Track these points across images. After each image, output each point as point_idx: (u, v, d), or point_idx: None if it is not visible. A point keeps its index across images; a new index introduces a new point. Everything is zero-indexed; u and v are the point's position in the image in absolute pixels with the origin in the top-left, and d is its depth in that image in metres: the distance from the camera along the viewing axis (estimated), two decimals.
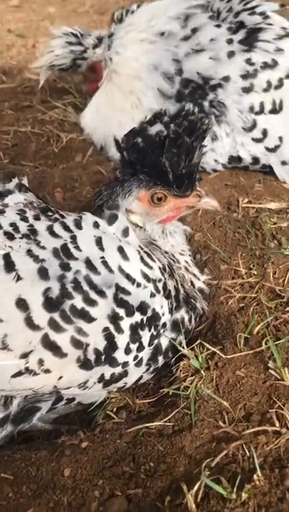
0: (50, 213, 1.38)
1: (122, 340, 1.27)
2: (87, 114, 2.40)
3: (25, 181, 1.47)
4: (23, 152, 2.43)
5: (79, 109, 2.71)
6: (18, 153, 2.43)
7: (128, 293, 1.29)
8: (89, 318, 1.21)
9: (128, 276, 1.30)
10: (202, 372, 1.34)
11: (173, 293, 1.43)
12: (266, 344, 1.37)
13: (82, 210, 1.92)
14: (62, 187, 2.10)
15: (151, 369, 1.43)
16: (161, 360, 1.44)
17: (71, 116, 2.68)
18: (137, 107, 2.19)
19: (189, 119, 1.34)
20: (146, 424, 1.30)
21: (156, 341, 1.39)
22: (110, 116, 2.26)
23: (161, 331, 1.40)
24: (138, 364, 1.36)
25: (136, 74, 2.14)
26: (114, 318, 1.25)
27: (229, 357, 1.35)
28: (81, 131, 2.58)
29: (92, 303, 1.22)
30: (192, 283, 1.61)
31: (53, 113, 2.72)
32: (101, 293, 1.24)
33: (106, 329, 1.24)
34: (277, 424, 1.19)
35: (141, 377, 1.43)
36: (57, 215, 1.38)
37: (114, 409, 1.41)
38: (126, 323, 1.27)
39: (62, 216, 1.38)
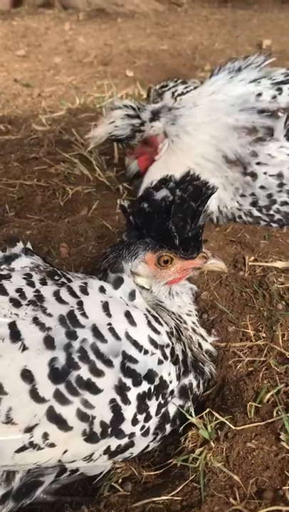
0: (56, 277, 1.36)
1: (129, 411, 1.23)
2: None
3: (28, 245, 1.46)
4: (29, 205, 2.45)
5: (84, 162, 2.75)
6: (24, 206, 2.45)
7: (135, 361, 1.26)
8: (95, 390, 1.18)
9: (135, 343, 1.27)
10: (211, 443, 1.29)
11: (181, 357, 1.40)
12: (278, 414, 1.33)
13: (88, 266, 1.92)
14: (68, 242, 2.10)
15: (158, 437, 1.38)
16: (168, 428, 1.39)
17: (77, 169, 2.72)
18: None
19: (194, 184, 1.36)
20: (154, 499, 1.25)
21: (163, 409, 1.35)
22: None
23: (169, 398, 1.36)
24: (145, 434, 1.32)
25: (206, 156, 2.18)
26: (121, 389, 1.21)
27: (239, 428, 1.31)
28: (86, 184, 2.61)
29: (98, 373, 1.19)
30: (200, 345, 1.58)
31: (59, 166, 2.76)
32: (108, 362, 1.21)
33: (113, 401, 1.20)
34: None
35: (147, 446, 1.38)
36: (64, 279, 1.36)
37: (120, 481, 1.35)
38: (133, 394, 1.24)
39: (69, 280, 1.37)
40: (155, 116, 2.21)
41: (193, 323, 1.60)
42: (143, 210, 1.37)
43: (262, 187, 2.10)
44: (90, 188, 2.58)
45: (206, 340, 1.60)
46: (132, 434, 1.28)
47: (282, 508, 1.14)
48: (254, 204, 2.13)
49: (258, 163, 2.09)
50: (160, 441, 1.41)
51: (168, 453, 1.43)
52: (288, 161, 2.07)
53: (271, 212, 2.14)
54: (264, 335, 1.60)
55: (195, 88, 2.71)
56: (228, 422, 1.32)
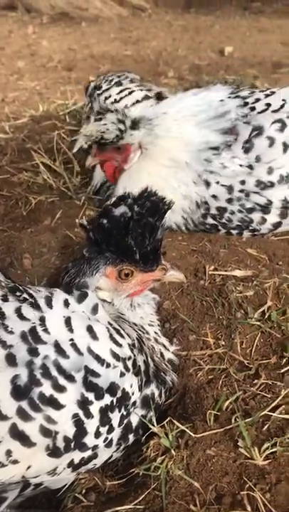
0: (18, 293, 1.37)
1: (91, 425, 1.26)
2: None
3: None
4: None
5: (48, 171, 2.76)
6: None
7: (98, 375, 1.28)
8: (58, 406, 1.20)
9: (97, 357, 1.30)
10: (172, 451, 1.33)
11: (143, 368, 1.44)
12: (236, 421, 1.38)
13: (51, 277, 1.94)
14: (31, 252, 2.10)
15: (122, 447, 1.41)
16: (131, 438, 1.42)
17: (40, 178, 2.72)
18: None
19: (151, 199, 1.40)
20: (117, 508, 1.28)
21: (126, 420, 1.38)
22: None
23: (131, 409, 1.39)
24: (108, 445, 1.35)
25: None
26: (84, 404, 1.24)
27: (199, 436, 1.35)
28: (50, 193, 2.62)
29: (60, 389, 1.21)
30: (162, 354, 1.62)
31: (22, 175, 2.76)
32: (70, 377, 1.23)
33: (75, 415, 1.22)
34: (249, 508, 1.19)
35: (111, 457, 1.41)
36: (25, 295, 1.38)
37: (83, 491, 1.38)
38: (96, 408, 1.26)
39: (31, 295, 1.38)
40: (135, 125, 2.25)
41: (156, 333, 1.64)
42: (102, 226, 1.40)
43: (214, 196, 2.16)
44: (53, 197, 2.59)
45: (168, 350, 1.64)
46: (95, 447, 1.30)
47: None
48: (207, 212, 2.20)
49: (211, 172, 2.15)
50: (123, 450, 1.44)
51: (131, 462, 1.45)
52: (240, 172, 2.13)
53: (224, 220, 2.20)
54: (223, 343, 1.65)
55: (130, 93, 2.69)
56: (188, 430, 1.36)
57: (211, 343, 1.65)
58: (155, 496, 1.28)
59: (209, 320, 1.73)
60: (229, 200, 2.15)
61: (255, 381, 1.52)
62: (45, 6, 8.37)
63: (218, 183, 2.14)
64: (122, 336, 1.41)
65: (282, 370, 1.54)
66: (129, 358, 1.38)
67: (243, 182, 2.13)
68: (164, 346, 1.64)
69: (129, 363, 1.38)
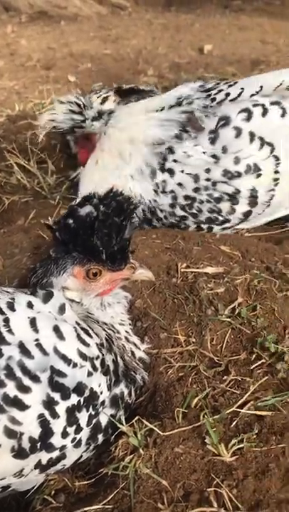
0: None
1: (58, 425, 1.25)
2: (84, 183, 2.43)
3: None
4: None
5: (23, 171, 2.74)
6: None
7: (64, 375, 1.28)
8: (22, 406, 1.19)
9: (64, 357, 1.29)
10: (140, 450, 1.33)
11: (112, 368, 1.44)
12: (204, 418, 1.38)
13: (23, 278, 1.92)
14: (2, 253, 2.08)
15: (91, 447, 1.41)
16: (101, 437, 1.42)
17: (14, 178, 2.70)
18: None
19: (117, 199, 1.40)
20: (85, 508, 1.27)
21: (95, 420, 1.38)
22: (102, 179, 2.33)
23: (100, 409, 1.39)
24: (77, 445, 1.34)
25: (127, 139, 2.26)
26: (50, 404, 1.23)
27: (167, 434, 1.35)
28: (24, 193, 2.60)
29: (25, 390, 1.20)
30: (133, 353, 1.62)
31: None
32: (35, 378, 1.22)
33: (41, 416, 1.22)
34: (215, 505, 1.19)
35: (80, 457, 1.40)
36: None
37: (53, 493, 1.37)
38: (62, 408, 1.26)
39: None
40: (99, 116, 2.28)
41: (127, 332, 1.64)
42: (68, 226, 1.40)
43: (179, 184, 2.18)
44: (27, 197, 2.57)
45: (138, 348, 1.63)
46: (63, 447, 1.30)
47: (207, 509, 1.19)
48: (175, 201, 2.21)
49: (175, 161, 2.17)
50: (93, 450, 1.43)
51: (102, 461, 1.45)
52: (206, 162, 2.14)
53: (194, 210, 2.20)
54: (194, 340, 1.65)
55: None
56: (156, 429, 1.36)
57: (182, 341, 1.65)
58: (124, 496, 1.28)
59: (180, 317, 1.73)
60: (196, 190, 2.17)
61: (225, 377, 1.52)
62: (23, 5, 8.29)
63: (182, 171, 2.16)
64: (90, 335, 1.40)
65: (252, 366, 1.54)
66: (97, 357, 1.38)
67: (208, 170, 2.15)
68: (135, 345, 1.63)
69: (97, 363, 1.37)
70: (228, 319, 1.70)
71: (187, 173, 2.18)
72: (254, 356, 1.58)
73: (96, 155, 2.35)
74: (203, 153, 2.15)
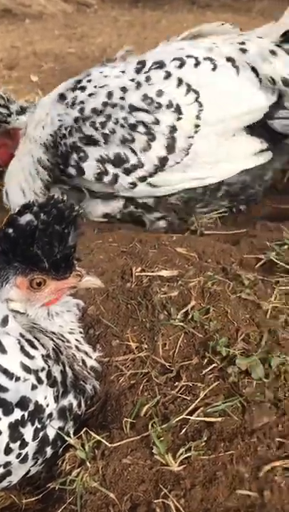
0: None
1: (0, 441, 1.22)
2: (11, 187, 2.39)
3: None
4: None
5: None
6: None
7: (6, 390, 1.24)
8: None
9: (5, 372, 1.26)
10: (87, 463, 1.30)
11: (59, 379, 1.40)
12: (153, 427, 1.36)
13: None
14: None
15: (40, 461, 1.37)
16: (49, 451, 1.38)
17: None
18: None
19: (58, 207, 1.36)
20: None
21: (41, 433, 1.34)
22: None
23: (47, 422, 1.35)
24: (23, 460, 1.31)
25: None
26: None
27: (115, 445, 1.33)
28: None
29: None
30: (84, 362, 1.58)
31: None
32: None
33: None
34: None
35: (29, 471, 1.37)
36: None
37: None
38: (4, 424, 1.22)
39: None
40: (23, 110, 2.25)
41: (77, 340, 1.60)
42: (8, 236, 1.36)
43: (90, 94, 2.17)
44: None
45: (90, 357, 1.60)
46: (8, 463, 1.26)
47: None
48: (81, 113, 2.15)
49: (89, 81, 2.21)
50: (42, 464, 1.40)
51: (53, 475, 1.42)
52: (123, 83, 2.16)
53: (106, 131, 2.11)
54: (146, 346, 1.63)
55: None
56: (103, 440, 1.33)
57: (134, 348, 1.62)
58: (71, 511, 1.25)
59: (133, 323, 1.70)
60: (106, 104, 2.10)
61: (176, 384, 1.50)
62: None
63: (95, 86, 2.15)
64: (35, 347, 1.37)
65: (204, 371, 1.53)
66: (43, 369, 1.35)
67: (124, 90, 2.11)
68: (86, 353, 1.60)
69: (43, 375, 1.34)
70: (181, 323, 1.68)
71: (100, 87, 2.13)
72: (206, 361, 1.56)
73: (18, 153, 2.32)
74: (123, 73, 2.15)
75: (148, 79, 2.18)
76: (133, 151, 2.11)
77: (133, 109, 2.10)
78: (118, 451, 1.32)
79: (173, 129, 2.08)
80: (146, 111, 2.09)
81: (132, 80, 2.17)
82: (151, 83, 2.16)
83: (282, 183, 2.80)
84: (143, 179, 2.14)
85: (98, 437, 1.34)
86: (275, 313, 1.74)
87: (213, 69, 2.19)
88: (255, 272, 1.98)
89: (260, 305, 1.76)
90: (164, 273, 1.90)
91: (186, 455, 1.28)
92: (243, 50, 2.21)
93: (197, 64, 2.21)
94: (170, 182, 2.16)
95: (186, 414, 1.39)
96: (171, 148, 2.11)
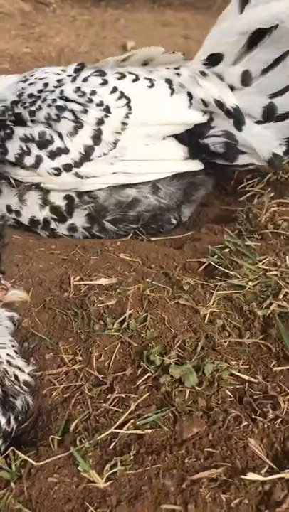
0: None
1: None
2: None
3: None
4: None
5: None
6: None
7: None
8: None
9: None
10: (12, 484, 1.26)
11: None
12: (81, 442, 1.33)
13: None
14: None
15: None
16: None
17: None
18: None
19: None
20: None
21: None
22: None
23: None
24: None
25: None
26: None
27: (41, 463, 1.29)
28: None
29: None
30: (16, 377, 1.54)
31: None
32: None
33: None
34: None
35: None
36: None
37: None
38: None
39: None
40: None
41: (8, 355, 1.56)
42: None
43: (30, 84, 2.26)
44: None
45: (23, 372, 1.56)
46: None
47: None
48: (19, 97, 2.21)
49: (32, 75, 2.32)
50: None
51: None
52: (61, 76, 2.28)
53: (33, 108, 2.15)
54: (80, 358, 1.60)
55: None
56: (29, 459, 1.30)
57: (67, 360, 1.59)
58: None
59: (68, 335, 1.67)
60: (40, 91, 2.19)
61: (109, 396, 1.48)
62: None
63: (36, 78, 2.26)
64: None
65: (137, 382, 1.51)
66: None
67: (60, 81, 2.21)
68: (19, 368, 1.56)
69: None
70: (117, 333, 1.66)
71: (40, 79, 2.24)
72: (140, 370, 1.54)
73: None
74: (64, 71, 2.28)
75: (85, 80, 2.23)
76: (59, 135, 2.12)
77: (64, 97, 2.16)
78: (45, 469, 1.28)
79: (100, 121, 2.13)
80: (77, 102, 2.15)
81: (69, 76, 2.26)
82: (87, 84, 2.21)
83: (231, 185, 2.80)
84: (69, 167, 2.13)
85: (24, 456, 1.30)
86: (212, 318, 1.73)
87: (150, 86, 2.25)
88: (198, 276, 1.98)
89: (198, 310, 1.75)
90: (103, 281, 1.87)
91: (112, 470, 1.25)
92: (178, 74, 2.29)
93: (136, 80, 2.27)
94: (97, 173, 2.15)
95: (117, 427, 1.37)
96: (97, 139, 2.13)
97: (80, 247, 2.14)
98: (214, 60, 2.20)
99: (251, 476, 1.19)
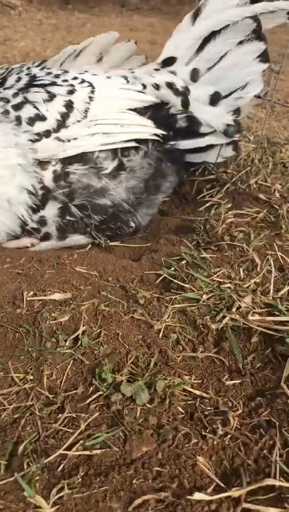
0: None
1: None
2: None
3: None
4: None
5: None
6: None
7: None
8: None
9: None
10: None
11: None
12: (29, 465, 1.31)
13: None
14: None
15: None
16: None
17: None
18: None
19: None
20: None
21: None
22: None
23: None
24: None
25: None
26: None
27: None
28: None
29: None
30: None
31: None
32: None
33: None
34: None
35: None
36: None
37: None
38: None
39: None
40: None
41: None
42: None
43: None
44: None
45: None
46: None
47: None
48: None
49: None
50: None
51: None
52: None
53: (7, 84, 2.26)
54: (31, 377, 1.57)
55: None
56: None
57: (18, 380, 1.56)
58: None
59: (19, 353, 1.64)
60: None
61: (59, 416, 1.46)
62: None
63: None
64: None
65: (88, 400, 1.49)
66: None
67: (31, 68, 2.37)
68: None
69: None
70: (70, 350, 1.64)
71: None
72: (92, 389, 1.53)
73: None
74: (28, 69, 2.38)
75: (48, 69, 2.41)
76: (34, 106, 2.20)
77: (33, 75, 2.30)
78: None
79: (70, 92, 2.25)
80: (45, 79, 2.28)
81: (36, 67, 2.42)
82: (50, 70, 2.38)
83: (191, 195, 2.81)
84: (48, 133, 2.20)
85: None
86: (166, 333, 1.73)
87: (108, 77, 2.42)
88: (155, 288, 1.97)
89: (152, 325, 1.75)
90: (57, 296, 1.85)
91: (59, 495, 1.23)
92: (133, 72, 2.49)
93: (95, 75, 2.42)
94: (76, 134, 2.23)
95: (65, 449, 1.35)
96: (69, 107, 2.23)
97: (36, 260, 2.11)
98: (168, 62, 2.49)
99: (197, 495, 1.19)
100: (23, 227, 2.29)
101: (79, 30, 7.86)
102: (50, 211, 2.28)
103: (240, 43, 2.45)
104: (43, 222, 2.30)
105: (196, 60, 2.49)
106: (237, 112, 2.61)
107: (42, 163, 2.22)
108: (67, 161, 2.24)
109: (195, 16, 2.43)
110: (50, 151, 2.21)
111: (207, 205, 2.61)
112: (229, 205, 2.45)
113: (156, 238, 2.46)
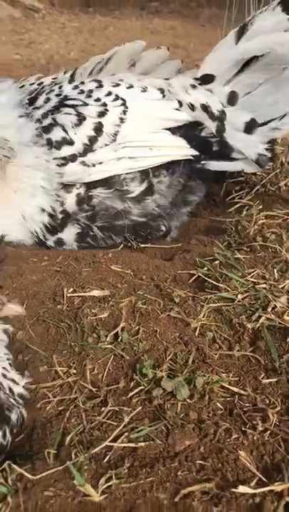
0: None
1: None
2: None
3: None
4: None
5: None
6: None
7: None
8: None
9: None
10: (8, 498, 1.28)
11: None
12: (76, 455, 1.35)
13: None
14: None
15: None
16: None
17: None
18: None
19: None
20: None
21: None
22: None
23: None
24: None
25: None
26: None
27: (38, 477, 1.31)
28: None
29: None
30: (11, 390, 1.56)
31: None
32: None
33: None
34: None
35: None
36: None
37: None
38: None
39: None
40: None
41: (4, 368, 1.58)
42: None
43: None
44: None
45: (18, 385, 1.58)
46: None
47: None
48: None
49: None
50: None
51: None
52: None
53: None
54: (74, 371, 1.62)
55: None
56: (25, 473, 1.32)
57: (62, 373, 1.61)
58: None
59: (62, 348, 1.70)
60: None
61: (103, 409, 1.50)
62: None
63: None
64: None
65: (130, 394, 1.54)
66: None
67: (61, 86, 2.40)
68: (14, 381, 1.58)
69: None
70: (110, 346, 1.69)
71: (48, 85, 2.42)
72: (133, 383, 1.57)
73: None
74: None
75: (83, 83, 2.41)
76: (64, 129, 2.23)
77: (64, 96, 2.31)
78: (41, 483, 1.30)
79: (101, 114, 2.26)
80: (77, 99, 2.29)
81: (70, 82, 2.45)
82: (85, 86, 2.39)
83: (220, 196, 2.85)
84: (74, 157, 2.21)
85: (20, 470, 1.32)
86: (203, 331, 1.77)
87: (143, 91, 2.40)
88: (188, 288, 2.01)
89: (188, 323, 1.79)
90: (96, 293, 1.90)
91: (107, 484, 1.28)
92: (169, 84, 2.45)
93: (130, 87, 2.40)
94: (103, 158, 2.23)
95: (111, 441, 1.40)
96: (98, 130, 2.24)
97: (73, 259, 2.16)
98: (206, 80, 2.42)
99: (242, 489, 1.22)
100: (40, 243, 2.36)
101: (102, 33, 7.94)
102: (69, 235, 2.32)
103: (284, 69, 2.32)
104: (60, 243, 2.35)
105: (234, 83, 2.40)
106: (271, 142, 2.46)
107: (66, 186, 2.24)
108: (91, 185, 2.26)
109: (240, 34, 2.29)
110: (76, 175, 2.23)
111: (236, 206, 2.64)
112: (260, 207, 2.48)
113: (186, 239, 2.50)
